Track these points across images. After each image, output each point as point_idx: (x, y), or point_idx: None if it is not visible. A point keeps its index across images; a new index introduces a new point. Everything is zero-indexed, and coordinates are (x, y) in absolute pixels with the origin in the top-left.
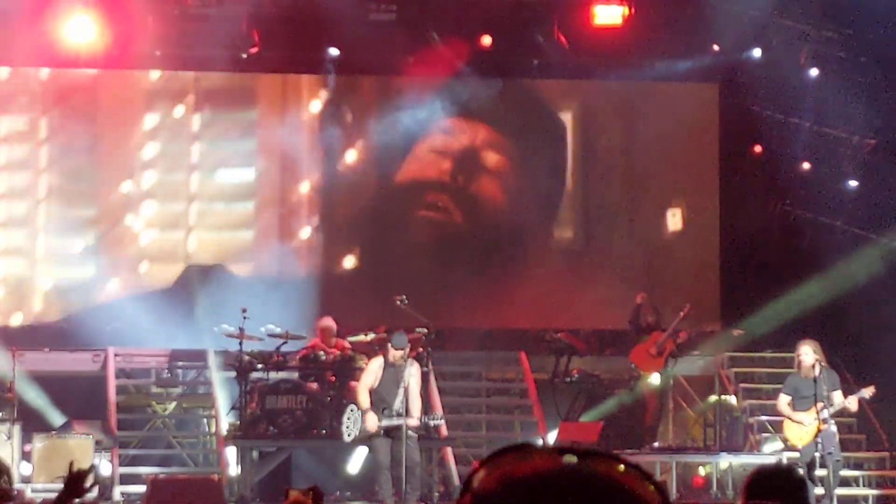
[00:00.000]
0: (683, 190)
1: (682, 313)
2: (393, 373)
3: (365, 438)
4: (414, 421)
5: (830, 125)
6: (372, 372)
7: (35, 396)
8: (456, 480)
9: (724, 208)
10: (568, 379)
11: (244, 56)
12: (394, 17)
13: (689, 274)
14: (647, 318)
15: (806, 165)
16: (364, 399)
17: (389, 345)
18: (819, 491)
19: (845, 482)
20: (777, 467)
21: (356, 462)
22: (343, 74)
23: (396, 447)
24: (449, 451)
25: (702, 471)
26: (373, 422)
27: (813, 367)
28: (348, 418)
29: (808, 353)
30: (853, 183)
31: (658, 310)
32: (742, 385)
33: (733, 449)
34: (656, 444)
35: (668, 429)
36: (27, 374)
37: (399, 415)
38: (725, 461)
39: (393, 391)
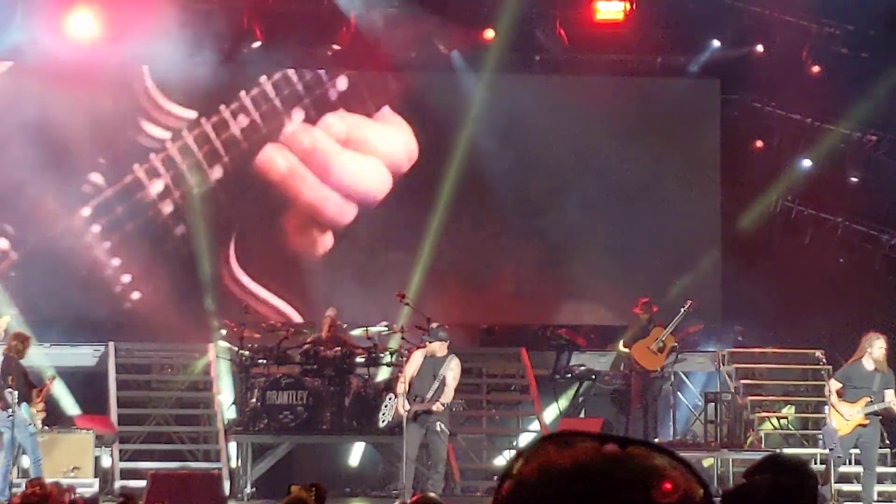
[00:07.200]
0: (684, 185)
1: (683, 309)
2: (432, 364)
3: (397, 424)
4: (438, 406)
5: (832, 121)
6: (414, 361)
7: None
8: (456, 476)
9: (726, 203)
10: (569, 375)
11: (246, 51)
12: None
13: (690, 269)
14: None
15: (807, 161)
16: (400, 386)
17: (427, 338)
18: (852, 487)
19: (846, 479)
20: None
21: (356, 456)
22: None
23: (430, 438)
24: (450, 446)
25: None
26: (402, 406)
27: (880, 360)
28: (385, 405)
29: (881, 347)
30: (854, 179)
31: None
32: (742, 381)
33: (734, 445)
34: (656, 440)
35: (670, 425)
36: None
37: (427, 402)
38: (726, 457)
39: (428, 381)
